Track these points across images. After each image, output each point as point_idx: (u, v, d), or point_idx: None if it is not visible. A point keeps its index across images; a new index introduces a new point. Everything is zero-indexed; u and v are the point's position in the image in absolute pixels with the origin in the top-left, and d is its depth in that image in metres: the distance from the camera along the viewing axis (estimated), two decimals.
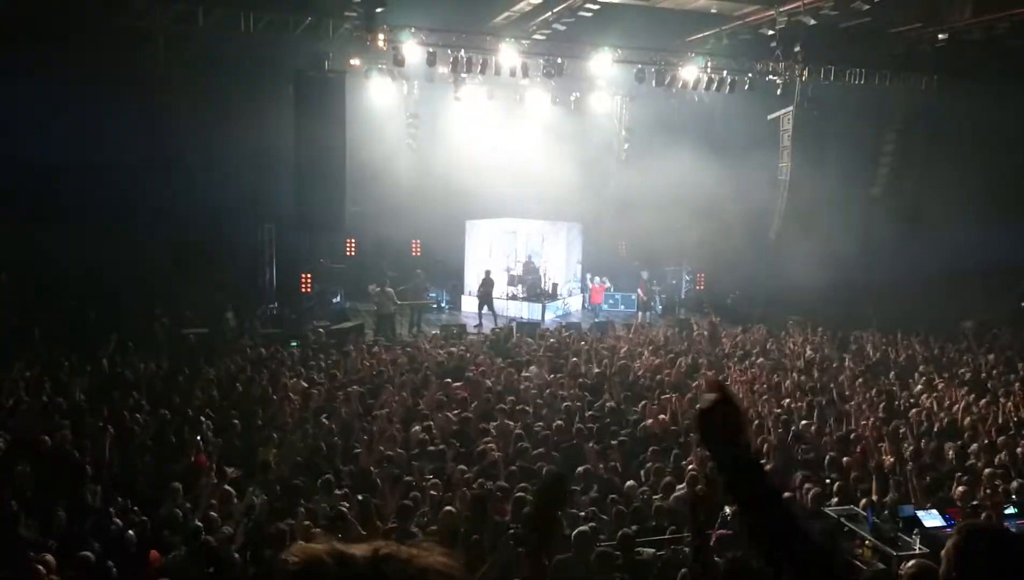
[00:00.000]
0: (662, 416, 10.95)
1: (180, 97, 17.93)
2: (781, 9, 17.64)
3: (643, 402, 11.73)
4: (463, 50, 18.48)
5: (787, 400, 12.14)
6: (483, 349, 15.83)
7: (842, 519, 7.86)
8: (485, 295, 20.04)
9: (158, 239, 17.92)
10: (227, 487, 8.29)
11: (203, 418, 10.25)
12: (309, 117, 17.72)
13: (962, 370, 14.67)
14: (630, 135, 23.92)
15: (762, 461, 1.89)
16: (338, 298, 20.65)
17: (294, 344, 15.77)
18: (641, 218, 20.74)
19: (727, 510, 7.56)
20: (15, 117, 16.54)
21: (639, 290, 22.35)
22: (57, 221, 16.39)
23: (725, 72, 20.38)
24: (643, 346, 16.09)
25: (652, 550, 6.87)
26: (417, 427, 10.31)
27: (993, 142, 21.02)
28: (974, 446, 9.90)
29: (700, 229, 21.33)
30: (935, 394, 12.74)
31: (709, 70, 20.31)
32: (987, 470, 8.79)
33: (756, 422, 10.69)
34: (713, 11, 18.61)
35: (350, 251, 22.07)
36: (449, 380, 12.89)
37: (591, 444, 9.82)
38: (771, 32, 18.70)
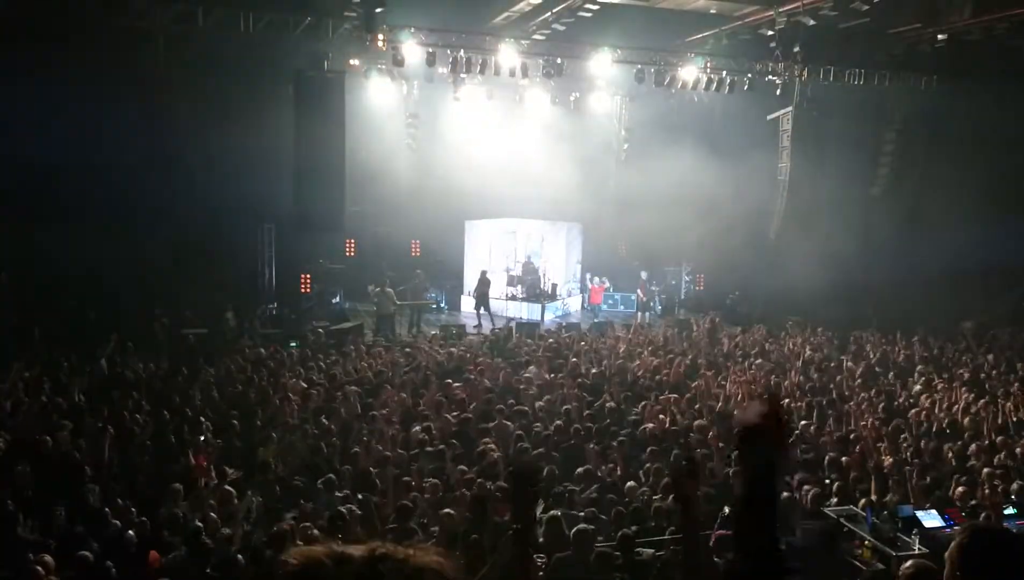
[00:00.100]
0: (662, 416, 10.95)
1: (180, 97, 17.94)
2: (780, 10, 17.65)
3: (643, 402, 11.74)
4: (462, 50, 18.49)
5: (787, 400, 12.14)
6: (482, 349, 15.85)
7: (841, 519, 7.86)
8: (481, 296, 20.05)
9: (158, 239, 17.93)
10: (227, 487, 8.30)
11: (203, 418, 10.26)
12: (309, 117, 17.72)
13: (961, 370, 14.67)
14: (630, 135, 23.93)
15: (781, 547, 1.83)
16: (337, 298, 20.66)
17: (294, 344, 15.78)
18: (641, 218, 20.76)
19: (726, 510, 7.57)
20: (15, 117, 16.53)
21: (638, 290, 22.36)
22: (57, 221, 16.39)
23: (724, 72, 20.38)
24: (642, 346, 16.10)
25: (652, 550, 6.88)
26: (417, 427, 10.33)
27: (993, 142, 21.04)
28: (973, 446, 9.91)
29: (700, 229, 21.32)
30: (935, 394, 12.74)
31: (709, 70, 20.32)
32: (986, 470, 8.80)
33: None
34: (713, 11, 18.62)
35: (349, 251, 22.07)
36: (449, 381, 12.90)
37: (591, 444, 9.83)
38: (770, 32, 18.72)
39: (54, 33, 16.09)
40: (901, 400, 12.76)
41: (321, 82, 17.89)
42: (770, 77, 20.25)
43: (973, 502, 8.04)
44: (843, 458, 9.41)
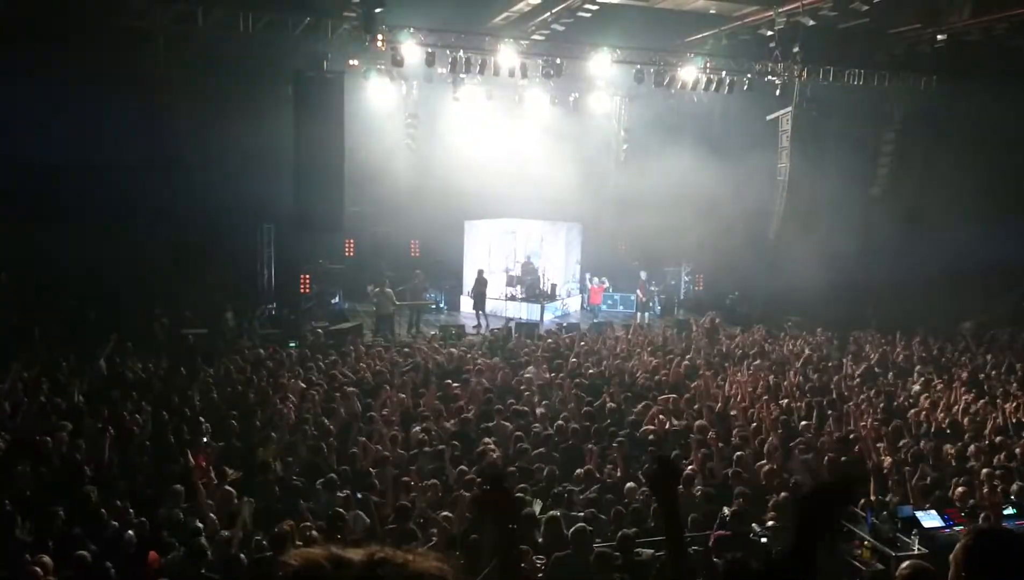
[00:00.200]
0: (661, 417, 10.95)
1: (180, 97, 17.94)
2: (780, 10, 17.65)
3: (643, 403, 11.74)
4: (462, 50, 18.48)
5: (786, 400, 12.15)
6: (482, 350, 15.85)
7: (841, 519, 7.85)
8: (479, 295, 20.04)
9: (158, 239, 17.93)
10: (227, 488, 8.29)
11: (202, 419, 10.25)
12: (308, 117, 17.73)
13: (961, 371, 14.67)
14: (629, 135, 23.95)
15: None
16: (337, 299, 20.66)
17: (293, 345, 15.78)
18: (640, 218, 20.76)
19: (726, 511, 7.58)
20: (15, 117, 16.53)
21: (638, 291, 22.36)
22: (57, 221, 16.40)
23: (724, 73, 20.38)
24: (642, 347, 16.10)
25: (651, 551, 6.87)
26: (417, 428, 10.32)
27: (993, 142, 21.04)
28: (973, 447, 9.91)
29: (699, 229, 21.32)
30: (934, 395, 12.75)
31: (708, 70, 20.31)
32: (985, 471, 8.80)
33: (754, 424, 10.70)
34: (712, 12, 18.62)
35: (349, 251, 22.07)
36: (449, 381, 12.90)
37: (590, 445, 9.83)
38: (770, 33, 18.71)
39: (54, 33, 16.09)
40: (900, 400, 12.77)
41: (320, 82, 17.89)
42: (769, 77, 20.24)
43: (972, 502, 8.05)
44: (843, 458, 9.40)
